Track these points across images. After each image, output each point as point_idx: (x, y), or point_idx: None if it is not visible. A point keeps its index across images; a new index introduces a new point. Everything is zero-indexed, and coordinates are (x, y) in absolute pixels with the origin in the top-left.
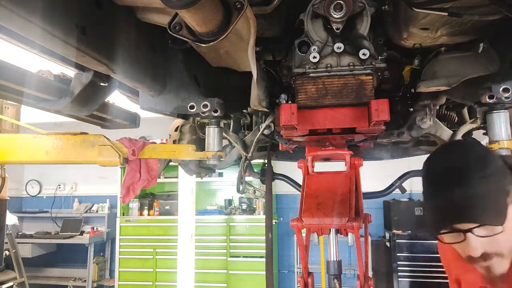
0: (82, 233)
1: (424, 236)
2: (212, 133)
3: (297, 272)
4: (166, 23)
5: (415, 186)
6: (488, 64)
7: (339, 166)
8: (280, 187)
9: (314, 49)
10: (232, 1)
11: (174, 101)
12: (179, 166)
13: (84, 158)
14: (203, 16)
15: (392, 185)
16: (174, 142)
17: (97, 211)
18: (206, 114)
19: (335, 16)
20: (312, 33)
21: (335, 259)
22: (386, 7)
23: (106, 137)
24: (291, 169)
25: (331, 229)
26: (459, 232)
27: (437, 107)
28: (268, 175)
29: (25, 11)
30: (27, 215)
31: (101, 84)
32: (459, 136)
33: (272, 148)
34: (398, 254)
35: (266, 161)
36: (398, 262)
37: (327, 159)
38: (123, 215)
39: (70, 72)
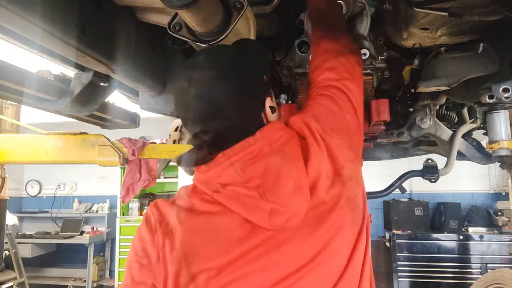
0: (82, 233)
1: (424, 236)
2: None
3: None
4: (166, 23)
5: (415, 186)
6: (488, 64)
7: None
8: None
9: None
10: (232, 1)
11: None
12: (179, 166)
13: (84, 158)
14: (203, 16)
15: (392, 185)
16: (174, 142)
17: (97, 211)
18: None
19: None
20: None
21: None
22: (387, 5)
23: (106, 137)
24: None
25: None
26: None
27: (437, 107)
28: None
29: (25, 11)
30: (27, 215)
31: (101, 84)
32: (459, 136)
33: None
34: (398, 254)
35: None
36: (398, 262)
37: None
38: (123, 215)
39: (70, 72)
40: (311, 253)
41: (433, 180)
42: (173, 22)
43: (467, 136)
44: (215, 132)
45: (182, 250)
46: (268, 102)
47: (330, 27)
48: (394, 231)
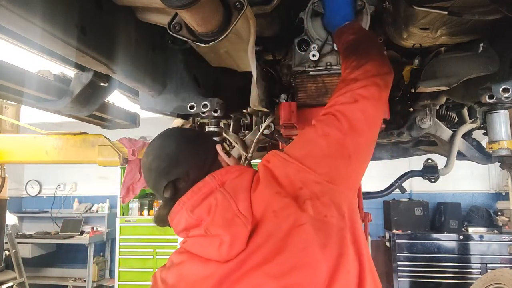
0: (82, 233)
1: (424, 236)
2: None
3: None
4: (166, 23)
5: (415, 186)
6: (488, 64)
7: None
8: None
9: (314, 47)
10: (232, 1)
11: (174, 101)
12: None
13: (84, 158)
14: (203, 16)
15: (392, 185)
16: None
17: (97, 211)
18: (206, 114)
19: None
20: (311, 31)
21: None
22: (387, 3)
23: (106, 137)
24: None
25: None
26: None
27: (437, 107)
28: None
29: (25, 11)
30: (27, 215)
31: (101, 84)
32: (459, 136)
33: (272, 148)
34: (398, 254)
35: None
36: (398, 262)
37: None
38: (123, 215)
39: (70, 72)
40: (275, 284)
41: (433, 180)
42: (173, 22)
43: (467, 136)
44: (173, 186)
45: None
46: (220, 149)
47: (358, 56)
48: (394, 231)
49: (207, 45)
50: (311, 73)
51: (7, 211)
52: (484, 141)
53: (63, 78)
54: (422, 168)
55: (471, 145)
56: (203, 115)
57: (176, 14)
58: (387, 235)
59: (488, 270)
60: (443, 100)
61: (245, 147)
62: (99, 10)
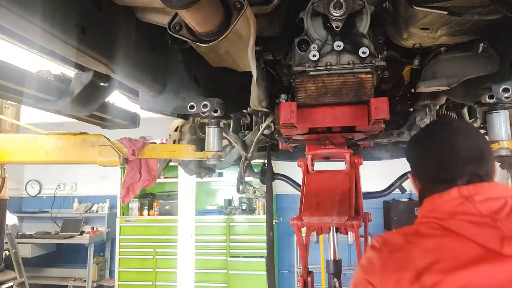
0: (82, 233)
1: None
2: (212, 133)
3: (297, 272)
4: (166, 23)
5: None
6: (488, 64)
7: (339, 166)
8: (280, 187)
9: (313, 47)
10: (232, 1)
11: (174, 101)
12: (179, 166)
13: (84, 158)
14: (203, 16)
15: (392, 185)
16: (174, 142)
17: (97, 211)
18: (206, 114)
19: (335, 14)
20: (311, 31)
21: (335, 258)
22: (387, 3)
23: (106, 137)
24: (291, 169)
25: (331, 228)
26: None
27: (437, 107)
28: (268, 175)
29: (25, 11)
30: (27, 215)
31: (101, 84)
32: None
33: (272, 148)
34: None
35: (266, 161)
36: None
37: (327, 157)
38: (123, 215)
39: (70, 72)
40: None
41: None
42: (173, 22)
43: None
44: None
45: (413, 262)
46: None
47: None
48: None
49: (207, 45)
50: (311, 73)
51: (7, 211)
52: None
53: (63, 78)
54: None
55: None
56: (203, 115)
57: (176, 14)
58: None
59: None
60: (443, 100)
61: (245, 147)
62: (99, 10)
